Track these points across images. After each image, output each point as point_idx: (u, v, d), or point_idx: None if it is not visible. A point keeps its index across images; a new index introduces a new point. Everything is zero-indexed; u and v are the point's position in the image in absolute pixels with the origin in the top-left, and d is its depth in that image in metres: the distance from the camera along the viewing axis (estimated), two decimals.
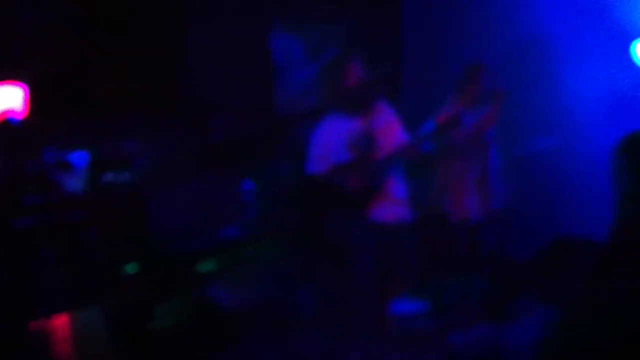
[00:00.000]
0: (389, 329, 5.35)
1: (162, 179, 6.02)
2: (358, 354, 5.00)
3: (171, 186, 6.01)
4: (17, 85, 5.61)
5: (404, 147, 4.94)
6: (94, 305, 4.61)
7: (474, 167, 5.61)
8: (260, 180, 6.40)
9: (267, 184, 6.40)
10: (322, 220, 5.12)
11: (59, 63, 5.87)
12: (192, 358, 5.00)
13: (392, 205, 5.00)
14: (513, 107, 5.56)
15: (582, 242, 5.90)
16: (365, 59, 4.99)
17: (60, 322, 4.49)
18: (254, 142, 6.45)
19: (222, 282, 5.88)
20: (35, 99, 5.65)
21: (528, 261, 6.09)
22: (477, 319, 5.46)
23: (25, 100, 5.62)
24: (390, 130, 5.01)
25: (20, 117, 5.61)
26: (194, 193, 6.10)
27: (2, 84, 5.54)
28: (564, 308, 3.18)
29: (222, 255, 6.01)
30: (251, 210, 6.35)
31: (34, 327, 4.50)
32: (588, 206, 5.83)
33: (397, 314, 5.97)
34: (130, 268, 5.63)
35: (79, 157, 5.71)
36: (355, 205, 4.98)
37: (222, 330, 5.35)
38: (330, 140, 5.06)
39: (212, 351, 5.06)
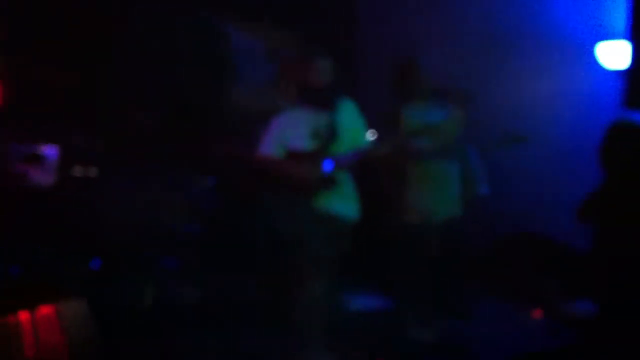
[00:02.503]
0: (346, 325, 5.35)
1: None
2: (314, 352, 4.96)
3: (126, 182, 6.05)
4: None
5: (364, 145, 5.00)
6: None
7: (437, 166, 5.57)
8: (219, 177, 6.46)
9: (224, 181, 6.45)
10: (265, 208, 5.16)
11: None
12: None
13: (342, 199, 5.01)
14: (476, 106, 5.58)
15: (542, 239, 6.04)
16: (327, 57, 5.05)
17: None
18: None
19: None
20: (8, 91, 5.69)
21: (486, 256, 6.22)
22: (436, 315, 5.51)
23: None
24: (353, 127, 5.06)
25: None
26: (151, 189, 6.17)
27: None
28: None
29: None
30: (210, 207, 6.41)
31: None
32: (550, 204, 5.96)
33: (354, 309, 6.06)
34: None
35: (50, 150, 5.76)
36: (304, 194, 4.94)
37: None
38: (291, 127, 5.06)
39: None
